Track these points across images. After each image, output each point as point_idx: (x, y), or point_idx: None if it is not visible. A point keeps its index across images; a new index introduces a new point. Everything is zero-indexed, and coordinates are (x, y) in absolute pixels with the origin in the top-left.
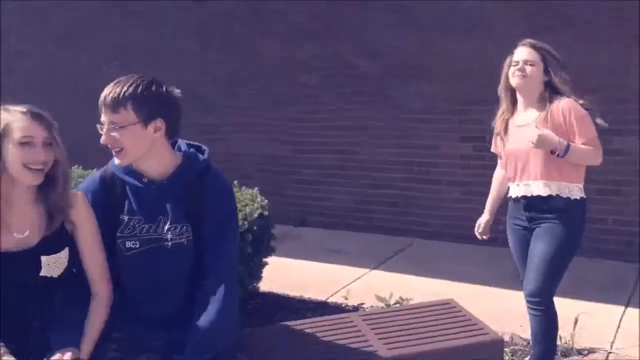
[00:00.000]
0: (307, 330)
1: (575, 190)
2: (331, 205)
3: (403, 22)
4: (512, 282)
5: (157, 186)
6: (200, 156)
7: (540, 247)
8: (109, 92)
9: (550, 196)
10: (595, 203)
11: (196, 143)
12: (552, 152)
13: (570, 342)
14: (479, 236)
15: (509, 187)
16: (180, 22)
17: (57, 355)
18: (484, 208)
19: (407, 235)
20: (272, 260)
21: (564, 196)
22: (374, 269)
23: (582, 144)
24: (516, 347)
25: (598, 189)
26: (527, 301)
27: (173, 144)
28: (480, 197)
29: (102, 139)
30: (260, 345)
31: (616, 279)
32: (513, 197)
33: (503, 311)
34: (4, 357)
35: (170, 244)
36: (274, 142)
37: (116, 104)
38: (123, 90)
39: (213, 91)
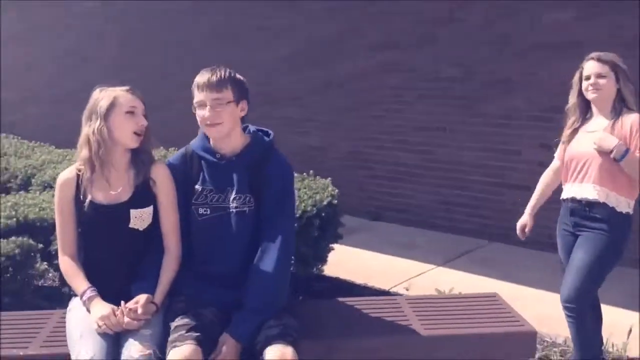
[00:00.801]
0: (355, 306)
1: (623, 204)
2: (408, 202)
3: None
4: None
5: (227, 161)
6: (266, 138)
7: (579, 255)
8: (210, 74)
9: (597, 202)
10: None
11: (264, 128)
12: (610, 152)
13: (622, 350)
14: (520, 236)
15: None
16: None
17: (134, 300)
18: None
19: (481, 237)
20: (342, 249)
21: (610, 205)
22: (440, 265)
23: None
24: (567, 349)
25: None
26: (563, 307)
27: (244, 129)
28: (556, 204)
29: (206, 115)
30: (309, 314)
31: None
32: (563, 198)
33: (562, 316)
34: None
35: (234, 211)
36: (357, 139)
37: (220, 84)
38: (224, 73)
39: (304, 89)
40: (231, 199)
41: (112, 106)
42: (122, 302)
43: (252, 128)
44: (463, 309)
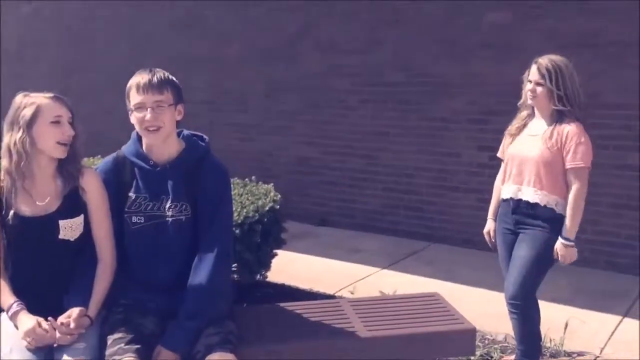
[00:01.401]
0: (296, 311)
1: (561, 205)
2: (354, 207)
3: (433, 42)
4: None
5: (161, 168)
6: (201, 144)
7: (522, 252)
8: (150, 76)
9: (537, 204)
10: (608, 217)
11: (198, 133)
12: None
13: (560, 345)
14: (489, 242)
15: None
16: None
17: (67, 313)
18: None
19: (424, 239)
20: (287, 255)
21: (549, 207)
22: (385, 268)
23: (568, 168)
24: (507, 346)
25: (612, 203)
26: (508, 304)
27: (178, 133)
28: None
29: (147, 117)
30: (250, 320)
31: (623, 291)
32: (504, 197)
33: (502, 314)
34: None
35: (170, 220)
36: (303, 144)
37: (161, 85)
38: (163, 75)
39: (252, 94)
40: (167, 207)
41: (35, 116)
42: (51, 319)
43: (186, 132)
44: (404, 309)
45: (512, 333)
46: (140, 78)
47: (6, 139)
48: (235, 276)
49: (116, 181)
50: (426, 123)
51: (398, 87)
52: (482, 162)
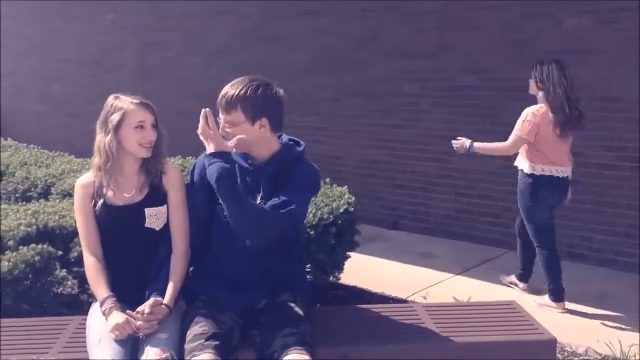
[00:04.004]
0: (371, 313)
1: (526, 167)
2: (426, 211)
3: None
4: (598, 300)
5: (256, 167)
6: (297, 148)
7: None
8: (224, 94)
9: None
10: None
11: (296, 139)
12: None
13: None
14: None
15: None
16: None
17: (145, 304)
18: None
19: (500, 246)
20: (359, 257)
21: (520, 168)
22: (458, 274)
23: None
24: (587, 359)
25: None
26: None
27: (279, 135)
28: (584, 213)
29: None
30: (324, 320)
31: None
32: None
33: (581, 325)
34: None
35: None
36: (375, 147)
37: (229, 106)
38: (235, 94)
39: (322, 97)
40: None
41: (122, 121)
42: (129, 311)
43: (285, 138)
44: (481, 317)
45: (593, 347)
46: (220, 95)
47: (98, 137)
48: (309, 277)
49: None
50: (500, 128)
51: (471, 91)
52: None
